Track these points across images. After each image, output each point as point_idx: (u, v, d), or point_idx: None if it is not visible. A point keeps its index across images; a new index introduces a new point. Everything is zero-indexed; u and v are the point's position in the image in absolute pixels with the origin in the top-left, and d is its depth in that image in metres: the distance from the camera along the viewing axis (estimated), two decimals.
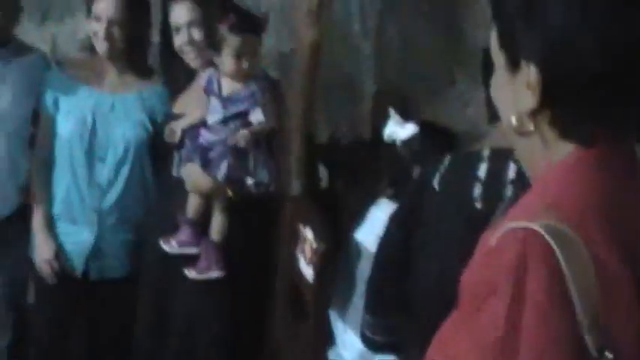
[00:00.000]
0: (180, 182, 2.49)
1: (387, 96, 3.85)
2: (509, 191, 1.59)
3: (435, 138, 2.56)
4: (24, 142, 2.85)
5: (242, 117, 2.41)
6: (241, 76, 2.43)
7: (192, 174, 2.46)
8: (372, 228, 2.53)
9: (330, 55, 3.76)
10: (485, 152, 1.69)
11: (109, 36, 2.67)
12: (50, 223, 2.79)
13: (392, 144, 2.53)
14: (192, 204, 2.49)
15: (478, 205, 1.63)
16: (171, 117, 2.64)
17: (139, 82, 2.81)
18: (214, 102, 2.46)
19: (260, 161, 2.42)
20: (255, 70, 2.48)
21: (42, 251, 2.77)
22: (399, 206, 1.97)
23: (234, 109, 2.42)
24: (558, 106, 0.98)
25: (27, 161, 2.86)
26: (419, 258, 1.74)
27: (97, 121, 2.72)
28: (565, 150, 1.00)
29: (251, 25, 2.43)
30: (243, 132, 2.37)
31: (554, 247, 0.89)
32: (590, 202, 0.96)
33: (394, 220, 1.92)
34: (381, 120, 3.87)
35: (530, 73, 0.97)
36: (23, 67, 2.82)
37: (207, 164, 2.41)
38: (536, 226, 0.91)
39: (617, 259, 0.92)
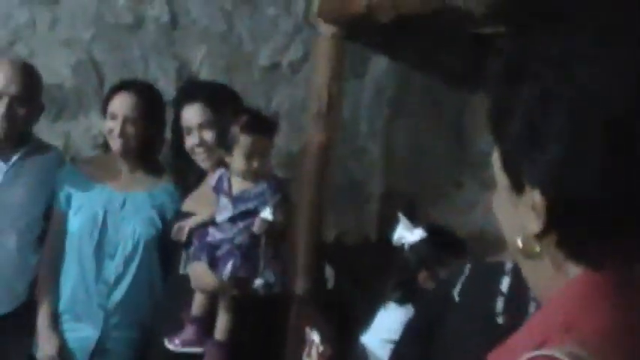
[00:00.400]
0: (186, 280, 2.48)
1: (395, 198, 3.88)
2: (532, 307, 1.55)
3: (443, 243, 2.57)
4: (35, 238, 2.86)
5: (251, 216, 2.42)
6: (252, 175, 2.45)
7: (198, 272, 2.45)
8: (378, 332, 2.52)
9: (338, 157, 3.82)
10: (508, 265, 1.65)
11: (123, 133, 2.72)
12: (55, 320, 2.77)
13: (400, 247, 2.54)
14: (198, 302, 2.48)
15: (500, 320, 1.58)
16: (180, 215, 2.65)
17: (150, 180, 2.84)
18: (224, 201, 2.47)
19: (267, 261, 2.41)
20: (265, 169, 2.50)
21: (45, 348, 2.74)
22: (415, 316, 1.93)
23: (243, 207, 2.43)
24: (565, 229, 0.99)
25: (36, 258, 2.85)
26: None
27: (107, 217, 2.73)
28: (574, 271, 1.01)
29: (263, 126, 2.47)
30: (259, 221, 2.37)
31: None
32: (606, 326, 0.95)
33: (409, 332, 1.86)
34: (388, 222, 3.91)
35: (534, 196, 0.97)
36: (39, 164, 2.85)
37: (213, 263, 2.40)
38: (559, 354, 0.91)
39: None
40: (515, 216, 1.01)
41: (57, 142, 3.40)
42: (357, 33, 3.63)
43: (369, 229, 3.99)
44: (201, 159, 2.65)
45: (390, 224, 3.86)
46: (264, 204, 2.39)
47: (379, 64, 3.94)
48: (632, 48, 0.96)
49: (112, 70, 3.46)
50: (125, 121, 2.72)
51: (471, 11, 2.51)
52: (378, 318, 2.54)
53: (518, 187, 1.00)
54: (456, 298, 1.65)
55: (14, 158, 2.76)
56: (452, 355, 1.61)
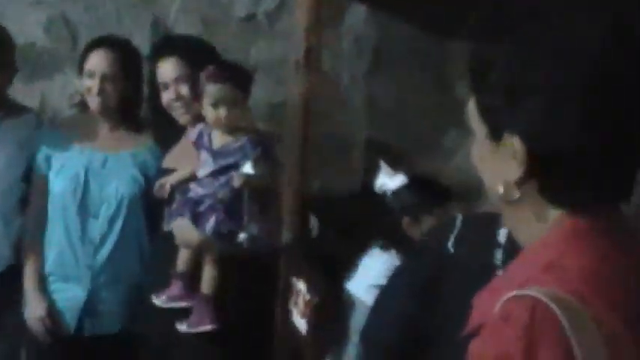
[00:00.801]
0: (170, 237, 2.48)
1: (378, 148, 3.87)
2: None
3: (424, 189, 2.57)
4: (16, 200, 2.83)
5: (232, 170, 2.40)
6: (230, 128, 2.43)
7: (181, 228, 2.44)
8: (364, 278, 2.53)
9: (320, 107, 3.79)
10: None
11: (102, 92, 2.68)
12: (42, 281, 2.77)
13: (382, 194, 2.54)
14: (182, 258, 2.47)
15: (499, 272, 1.52)
16: (162, 172, 2.64)
17: (131, 138, 2.82)
18: (205, 155, 2.46)
19: (251, 215, 2.40)
20: (244, 122, 2.47)
21: (34, 309, 2.73)
22: (410, 271, 1.85)
23: (223, 162, 2.41)
24: (546, 175, 0.99)
25: (19, 220, 2.83)
26: (441, 333, 1.62)
27: (89, 178, 2.71)
28: (555, 216, 1.01)
29: (229, 75, 2.44)
30: (239, 176, 2.35)
31: (560, 316, 0.89)
32: (588, 266, 0.96)
33: (409, 289, 1.77)
34: (371, 172, 3.91)
35: (514, 144, 0.98)
36: (16, 126, 2.82)
37: (196, 218, 2.39)
38: (540, 295, 0.91)
39: (621, 322, 0.92)
40: (495, 163, 1.02)
41: (32, 102, 3.36)
42: None
43: (352, 179, 3.99)
44: (178, 114, 2.62)
45: (374, 174, 3.88)
46: (244, 158, 2.38)
47: (358, 12, 3.89)
48: (605, 6, 0.98)
49: (85, 27, 3.42)
50: (103, 78, 2.69)
51: None
52: (363, 264, 2.55)
53: (496, 136, 1.01)
54: (451, 250, 1.61)
55: None
56: (451, 308, 1.57)
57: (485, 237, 1.57)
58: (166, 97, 2.62)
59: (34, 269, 2.75)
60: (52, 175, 2.75)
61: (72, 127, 2.86)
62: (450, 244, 1.58)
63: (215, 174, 2.41)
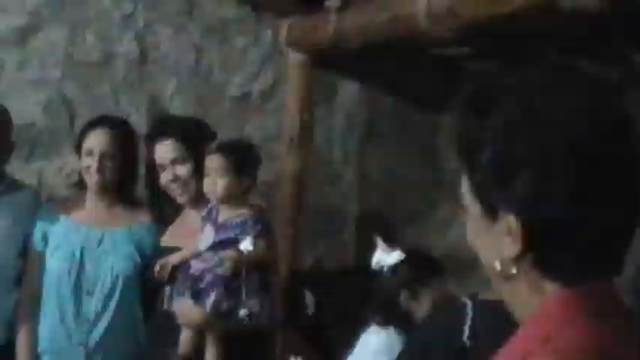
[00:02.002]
0: (170, 317, 2.47)
1: (370, 222, 3.91)
2: None
3: (421, 263, 2.60)
4: (12, 277, 2.82)
5: (231, 245, 2.42)
6: (234, 203, 2.45)
7: (183, 307, 2.42)
8: (361, 355, 2.53)
9: (313, 182, 3.85)
10: None
11: (101, 169, 2.71)
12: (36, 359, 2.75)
13: (379, 271, 2.56)
14: (184, 339, 2.42)
15: None
16: (160, 251, 2.65)
17: (128, 215, 2.83)
18: (208, 229, 2.47)
19: (251, 291, 2.40)
20: (244, 197, 2.49)
21: None
22: None
23: (223, 236, 2.43)
24: (540, 249, 1.02)
25: (14, 296, 2.83)
26: None
27: (85, 256, 2.71)
28: (550, 288, 1.04)
29: (225, 147, 2.49)
30: (231, 254, 2.37)
31: None
32: (580, 338, 0.98)
33: None
34: (364, 246, 3.93)
35: (509, 221, 1.00)
36: (13, 203, 2.83)
37: (197, 295, 2.40)
38: None
39: None
40: (491, 241, 1.04)
41: (30, 181, 3.38)
42: (326, 60, 3.68)
43: (346, 254, 4.01)
44: (176, 194, 2.65)
45: (367, 248, 3.90)
46: (244, 233, 2.40)
47: (349, 90, 3.98)
48: (583, 82, 1.03)
49: (83, 108, 3.47)
50: (102, 156, 2.72)
51: (434, 35, 2.55)
52: (361, 341, 2.55)
53: (491, 214, 1.03)
54: (467, 344, 1.55)
55: None
56: None
57: (500, 327, 1.52)
58: (164, 178, 2.65)
59: (27, 346, 2.74)
60: (48, 253, 2.75)
61: (69, 206, 2.87)
62: (465, 338, 1.53)
63: (215, 248, 2.42)
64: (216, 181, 2.42)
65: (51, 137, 3.45)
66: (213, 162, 2.42)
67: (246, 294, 2.37)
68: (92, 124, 2.81)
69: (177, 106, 3.55)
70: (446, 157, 4.18)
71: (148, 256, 2.69)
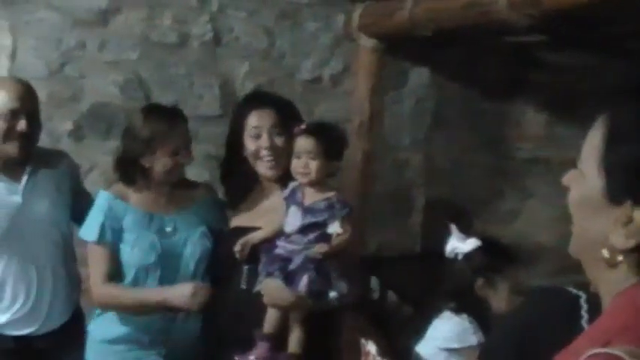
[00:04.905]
0: (251, 296, 2.45)
1: (437, 209, 3.90)
2: None
3: (496, 251, 2.59)
4: (70, 245, 2.79)
5: (319, 228, 2.41)
6: (320, 187, 2.44)
7: (272, 288, 2.37)
8: (434, 340, 2.54)
9: (380, 168, 3.86)
10: None
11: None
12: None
13: (453, 258, 2.55)
14: (271, 319, 2.40)
15: None
16: (237, 231, 2.61)
17: (188, 195, 2.73)
18: (294, 211, 2.42)
19: (339, 273, 2.41)
20: (329, 181, 2.48)
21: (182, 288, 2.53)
22: None
23: (312, 219, 2.42)
24: None
25: (74, 265, 2.82)
26: None
27: (163, 244, 2.60)
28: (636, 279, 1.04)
29: (317, 130, 2.47)
30: (322, 245, 2.37)
31: None
32: None
33: None
34: (430, 232, 3.93)
35: (634, 216, 0.99)
36: (51, 173, 2.74)
37: (288, 278, 2.35)
38: (618, 352, 0.93)
39: None
40: (602, 224, 1.03)
41: (106, 158, 3.47)
42: (398, 46, 3.68)
43: (412, 240, 4.02)
44: (265, 165, 2.58)
45: (433, 234, 3.90)
46: (332, 217, 2.39)
47: (419, 76, 3.98)
48: None
49: (157, 88, 3.54)
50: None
51: (512, 23, 2.53)
52: (433, 327, 2.56)
53: (615, 197, 1.01)
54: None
55: (26, 176, 2.67)
56: None
57: None
58: (256, 144, 2.57)
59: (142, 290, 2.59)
60: (126, 247, 2.59)
61: (135, 193, 2.65)
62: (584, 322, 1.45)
63: (304, 230, 2.41)
64: (307, 164, 2.39)
65: (126, 117, 3.52)
66: (305, 144, 2.39)
67: (334, 276, 2.38)
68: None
69: (249, 89, 3.58)
70: (513, 145, 4.16)
71: (217, 231, 2.68)
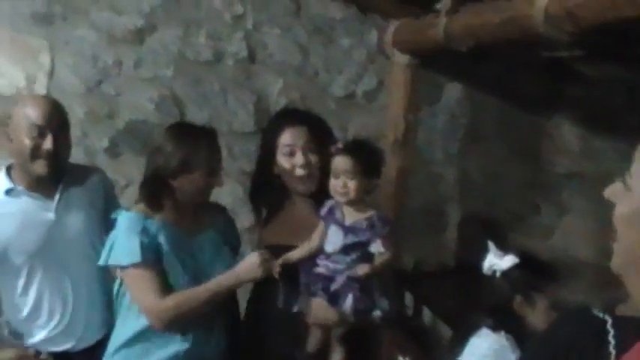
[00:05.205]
0: (285, 314, 2.44)
1: (471, 224, 3.88)
2: None
3: (534, 268, 2.56)
4: (97, 266, 2.63)
5: (361, 246, 2.41)
6: (359, 205, 2.44)
7: (317, 308, 2.37)
8: (471, 357, 2.51)
9: (414, 182, 3.84)
10: None
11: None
12: None
13: (491, 275, 2.52)
14: (315, 338, 2.42)
15: None
16: (270, 249, 2.51)
17: (208, 215, 2.66)
18: (335, 230, 2.41)
19: (381, 291, 2.40)
20: (362, 197, 2.46)
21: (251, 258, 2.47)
22: None
23: (354, 239, 2.42)
24: None
25: (109, 281, 2.71)
26: None
27: (198, 264, 2.54)
28: None
29: (354, 149, 2.46)
30: (365, 266, 2.36)
31: None
32: None
33: None
34: (465, 248, 3.91)
35: None
36: (83, 188, 2.75)
37: (332, 298, 2.36)
38: None
39: None
40: None
41: (142, 175, 3.51)
42: (431, 61, 3.67)
43: (446, 255, 4.00)
44: (301, 181, 2.58)
45: (468, 249, 3.88)
46: (374, 236, 2.37)
47: (453, 91, 3.97)
48: None
49: (192, 105, 3.57)
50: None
51: (550, 38, 2.51)
52: (471, 344, 2.53)
53: None
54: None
55: (58, 192, 2.67)
56: None
57: None
58: (291, 162, 2.57)
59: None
60: (166, 267, 2.48)
61: (169, 213, 2.56)
62: (611, 347, 1.40)
63: (346, 249, 2.41)
64: (345, 183, 2.37)
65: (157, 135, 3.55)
66: (343, 164, 2.37)
67: (377, 294, 2.37)
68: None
69: (283, 105, 3.60)
70: (549, 160, 4.13)
71: (237, 249, 2.67)
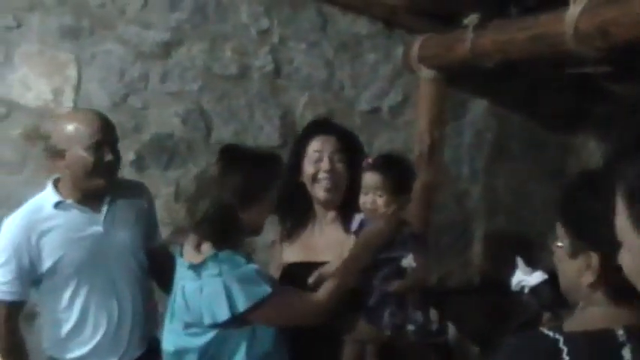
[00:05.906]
0: (319, 330, 2.41)
1: (497, 241, 3.86)
2: None
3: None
4: (147, 274, 2.79)
5: (393, 261, 2.39)
6: (370, 212, 2.41)
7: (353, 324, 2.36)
8: None
9: (440, 198, 3.83)
10: None
11: None
12: None
13: (519, 291, 2.50)
14: (350, 353, 2.40)
15: None
16: (303, 266, 2.51)
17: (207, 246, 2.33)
18: None
19: (415, 306, 2.38)
20: (398, 214, 2.44)
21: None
22: None
23: (387, 254, 2.40)
24: None
25: (147, 299, 2.78)
26: None
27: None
28: None
29: (377, 163, 2.44)
30: (399, 282, 2.35)
31: None
32: None
33: None
34: (491, 264, 3.88)
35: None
36: (129, 202, 2.77)
37: (369, 315, 2.34)
38: None
39: None
40: None
41: (168, 189, 3.53)
42: (458, 77, 3.66)
43: (471, 271, 3.97)
44: (324, 186, 2.56)
45: (494, 265, 3.85)
46: (406, 251, 2.35)
47: (478, 107, 3.95)
48: None
49: (218, 119, 3.58)
50: None
51: (580, 55, 2.49)
52: None
53: None
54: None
55: (106, 206, 2.68)
56: None
57: None
58: (316, 167, 2.56)
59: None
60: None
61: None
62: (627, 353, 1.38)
63: (377, 264, 2.39)
64: (375, 200, 2.35)
65: (188, 147, 3.57)
66: (373, 180, 2.35)
67: (412, 309, 2.36)
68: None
69: (309, 120, 3.59)
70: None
71: None
